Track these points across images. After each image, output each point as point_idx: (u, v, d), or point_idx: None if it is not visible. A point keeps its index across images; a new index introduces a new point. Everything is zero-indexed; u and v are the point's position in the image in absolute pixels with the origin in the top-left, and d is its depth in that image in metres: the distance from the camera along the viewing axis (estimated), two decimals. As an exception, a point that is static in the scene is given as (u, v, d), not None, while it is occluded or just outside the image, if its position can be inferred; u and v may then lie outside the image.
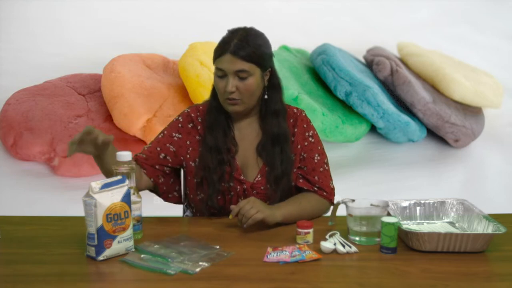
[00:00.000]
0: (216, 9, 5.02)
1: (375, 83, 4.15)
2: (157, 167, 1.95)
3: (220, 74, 1.86)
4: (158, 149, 1.95)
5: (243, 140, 1.97)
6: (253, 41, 1.86)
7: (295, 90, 3.80)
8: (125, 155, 1.71)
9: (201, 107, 2.00)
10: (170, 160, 1.96)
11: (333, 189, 2.01)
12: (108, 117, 3.88)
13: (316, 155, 1.98)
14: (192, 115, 1.98)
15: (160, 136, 1.98)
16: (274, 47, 4.68)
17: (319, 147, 2.00)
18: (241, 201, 1.79)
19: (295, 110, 2.02)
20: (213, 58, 1.89)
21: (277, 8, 5.22)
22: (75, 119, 3.82)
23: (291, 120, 1.99)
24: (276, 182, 1.92)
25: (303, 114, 2.01)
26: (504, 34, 5.49)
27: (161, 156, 1.95)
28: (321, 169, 1.98)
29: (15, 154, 3.65)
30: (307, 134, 1.99)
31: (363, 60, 4.64)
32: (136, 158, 1.94)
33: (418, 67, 4.51)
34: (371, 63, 4.43)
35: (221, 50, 1.85)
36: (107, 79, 3.88)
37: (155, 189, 2.01)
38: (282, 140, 1.93)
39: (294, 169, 1.96)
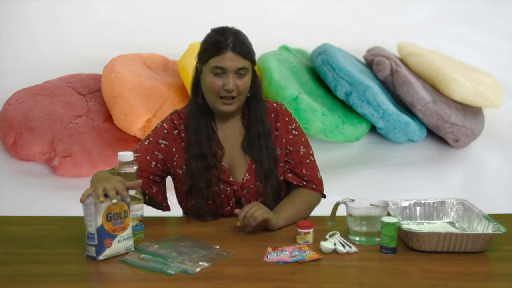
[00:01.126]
0: (216, 9, 5.02)
1: (375, 83, 4.15)
2: (150, 177, 1.93)
3: (219, 72, 1.84)
4: (148, 157, 1.92)
5: (228, 140, 1.96)
6: (245, 39, 1.88)
7: (295, 90, 3.80)
8: (128, 155, 1.71)
9: (182, 114, 1.98)
10: (160, 168, 1.94)
11: (321, 180, 2.02)
12: (108, 117, 3.88)
13: (302, 147, 1.99)
14: (175, 122, 1.96)
15: (146, 143, 1.95)
16: (274, 47, 4.72)
17: (303, 139, 2.00)
18: (245, 206, 1.79)
19: (274, 104, 2.01)
20: (205, 57, 1.87)
21: (277, 8, 5.22)
22: (75, 119, 3.82)
23: (272, 115, 1.98)
24: (266, 177, 1.92)
25: (284, 108, 2.01)
26: (504, 34, 5.49)
27: (152, 165, 1.92)
28: (308, 161, 1.99)
29: (15, 154, 3.65)
30: (290, 127, 1.99)
31: (363, 60, 4.64)
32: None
33: (418, 67, 4.52)
34: (371, 63, 4.43)
35: (219, 48, 1.83)
36: (107, 79, 3.88)
37: (149, 201, 1.98)
38: (266, 136, 1.93)
39: (281, 163, 1.96)
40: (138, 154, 1.92)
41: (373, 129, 4.19)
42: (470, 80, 4.48)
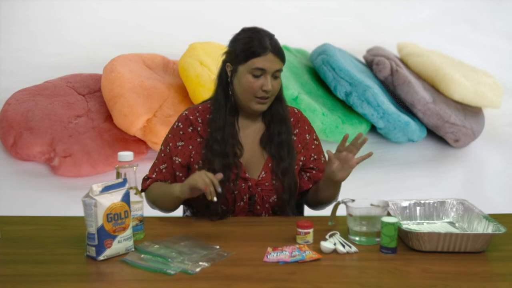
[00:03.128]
0: (216, 9, 5.02)
1: (375, 83, 4.15)
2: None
3: (259, 73, 1.85)
4: (173, 167, 1.96)
5: (247, 137, 1.98)
6: (278, 41, 1.91)
7: (295, 90, 3.81)
8: (128, 155, 1.71)
9: (200, 107, 2.00)
10: (181, 175, 1.97)
11: None
12: (108, 117, 3.88)
13: (322, 156, 2.05)
14: (191, 117, 1.97)
15: (167, 150, 1.97)
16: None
17: (322, 148, 2.06)
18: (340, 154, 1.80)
19: (295, 110, 2.05)
20: (243, 58, 1.86)
21: (277, 8, 5.23)
22: (75, 119, 3.82)
23: (292, 119, 2.02)
24: (283, 173, 1.93)
25: (304, 116, 2.06)
26: (504, 34, 5.49)
27: (177, 174, 1.97)
28: None
29: (15, 154, 3.65)
30: (308, 136, 2.03)
31: (363, 60, 4.64)
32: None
33: (418, 67, 4.52)
34: (371, 63, 4.43)
35: (259, 49, 1.84)
36: (107, 79, 3.88)
37: None
38: (287, 133, 1.96)
39: (296, 165, 1.98)
40: (165, 165, 1.97)
41: (373, 129, 4.19)
42: (470, 80, 4.48)
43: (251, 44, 1.85)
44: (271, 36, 1.89)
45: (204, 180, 1.71)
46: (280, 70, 1.89)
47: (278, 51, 1.87)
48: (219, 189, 1.73)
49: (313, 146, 2.03)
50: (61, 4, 4.92)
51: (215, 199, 1.72)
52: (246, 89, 1.88)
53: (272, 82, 1.87)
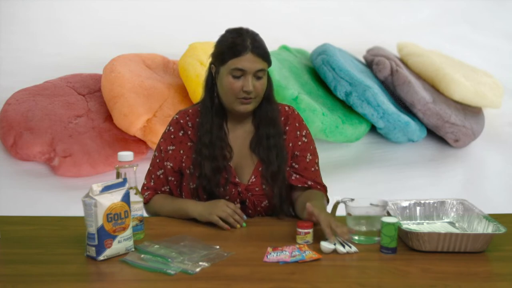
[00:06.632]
0: (216, 9, 5.02)
1: (375, 83, 4.15)
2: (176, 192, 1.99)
3: (238, 74, 1.83)
4: (166, 173, 1.97)
5: (237, 140, 1.96)
6: (262, 41, 1.88)
7: (295, 90, 3.80)
8: (128, 155, 1.71)
9: (190, 111, 1.99)
10: (173, 179, 1.98)
11: (325, 186, 2.00)
12: (108, 117, 3.88)
13: (308, 154, 1.98)
14: (181, 121, 1.97)
15: (162, 155, 1.97)
16: (274, 47, 4.71)
17: (311, 147, 2.00)
18: (322, 223, 1.66)
19: (286, 108, 2.01)
20: (223, 59, 1.85)
21: (277, 8, 5.22)
22: (75, 119, 3.82)
23: (282, 118, 1.98)
24: (273, 177, 1.91)
25: (296, 113, 2.01)
26: (504, 34, 5.49)
27: (169, 179, 1.97)
28: (313, 169, 1.98)
29: (15, 154, 3.65)
30: (298, 132, 1.99)
31: (363, 60, 4.64)
32: (162, 192, 2.00)
33: (418, 67, 4.52)
34: (371, 63, 4.43)
35: (238, 50, 1.82)
36: (107, 79, 3.88)
37: None
38: (276, 136, 1.93)
39: (287, 167, 1.96)
40: (162, 171, 1.98)
41: (373, 129, 4.19)
42: (470, 80, 4.48)
43: (231, 45, 1.83)
44: (253, 36, 1.86)
45: (222, 215, 1.80)
46: (262, 70, 1.85)
47: (259, 51, 1.84)
48: (244, 217, 1.84)
49: (299, 143, 1.97)
50: (61, 4, 4.92)
51: (244, 224, 1.83)
52: (227, 90, 1.86)
53: (254, 82, 1.84)
